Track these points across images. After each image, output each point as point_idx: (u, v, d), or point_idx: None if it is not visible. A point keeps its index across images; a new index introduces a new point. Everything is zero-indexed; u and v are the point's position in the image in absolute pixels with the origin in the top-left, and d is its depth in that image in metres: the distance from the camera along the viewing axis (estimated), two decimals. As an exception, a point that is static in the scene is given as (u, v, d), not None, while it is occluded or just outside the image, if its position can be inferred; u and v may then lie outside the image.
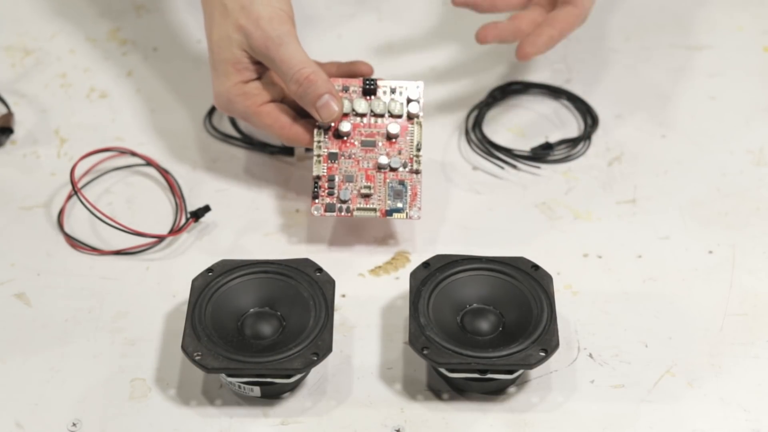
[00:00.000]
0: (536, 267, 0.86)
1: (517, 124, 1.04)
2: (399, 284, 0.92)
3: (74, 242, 0.94)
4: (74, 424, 0.82)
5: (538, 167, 1.01)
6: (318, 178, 0.92)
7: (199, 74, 1.09)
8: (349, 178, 0.92)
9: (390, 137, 0.93)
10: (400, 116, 0.94)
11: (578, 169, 1.01)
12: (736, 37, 1.12)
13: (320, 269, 0.86)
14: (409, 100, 0.94)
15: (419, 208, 0.92)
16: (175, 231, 0.95)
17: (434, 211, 0.97)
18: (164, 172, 0.99)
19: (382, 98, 0.94)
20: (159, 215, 0.97)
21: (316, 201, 0.92)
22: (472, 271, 0.87)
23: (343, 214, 0.92)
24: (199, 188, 0.99)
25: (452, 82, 1.08)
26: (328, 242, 0.95)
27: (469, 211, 0.97)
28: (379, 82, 0.94)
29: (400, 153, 0.93)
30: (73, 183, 0.94)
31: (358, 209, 0.92)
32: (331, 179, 0.92)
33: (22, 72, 1.09)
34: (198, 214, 0.95)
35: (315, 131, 0.93)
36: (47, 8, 1.15)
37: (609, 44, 1.12)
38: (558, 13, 0.99)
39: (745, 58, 1.10)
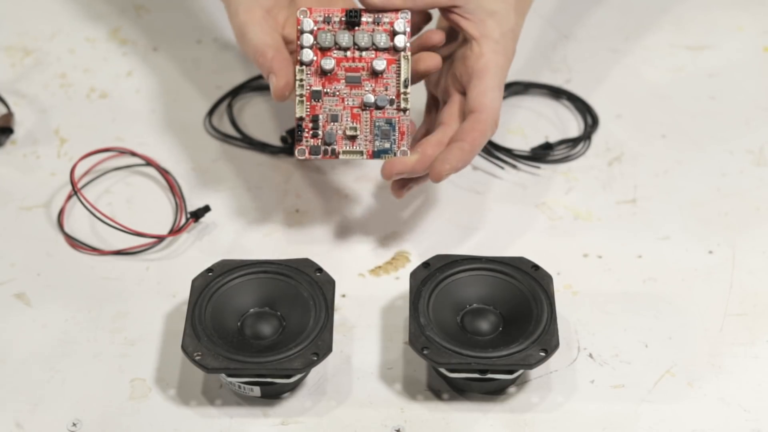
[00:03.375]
0: (536, 267, 0.86)
1: (517, 124, 1.04)
2: (399, 284, 0.92)
3: (74, 242, 0.94)
4: (74, 424, 0.82)
5: (538, 167, 1.01)
6: (301, 119, 0.88)
7: (199, 74, 1.09)
8: (333, 118, 0.88)
9: (376, 73, 0.89)
10: (385, 50, 0.89)
11: (578, 169, 1.01)
12: (736, 37, 1.13)
13: (320, 269, 0.86)
14: (395, 33, 0.89)
15: (408, 147, 0.89)
16: (175, 231, 0.95)
17: (434, 211, 0.97)
18: (164, 172, 0.99)
19: (366, 30, 0.89)
20: (159, 215, 0.97)
21: (301, 144, 0.88)
22: (472, 271, 0.87)
23: (329, 156, 0.88)
24: (199, 188, 0.99)
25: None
26: (328, 242, 0.95)
27: (469, 211, 0.97)
28: (363, 14, 0.89)
29: (386, 89, 0.89)
30: (73, 183, 0.94)
31: (344, 152, 0.88)
32: (314, 120, 0.88)
33: (22, 72, 1.09)
34: (198, 214, 0.95)
35: (296, 69, 0.89)
36: (47, 8, 1.15)
37: (609, 44, 1.12)
38: (465, 125, 0.89)
39: (745, 58, 1.11)
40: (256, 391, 0.83)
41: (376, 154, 0.89)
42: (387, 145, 0.89)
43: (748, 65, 1.10)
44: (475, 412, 0.83)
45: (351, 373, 0.86)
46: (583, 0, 1.16)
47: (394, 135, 0.89)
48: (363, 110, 0.89)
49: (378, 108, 0.89)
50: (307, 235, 0.95)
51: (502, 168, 1.01)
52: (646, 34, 1.13)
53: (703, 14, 1.15)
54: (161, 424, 0.83)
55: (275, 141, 1.02)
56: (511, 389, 0.85)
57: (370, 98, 0.88)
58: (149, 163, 1.00)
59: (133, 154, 1.00)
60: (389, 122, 0.89)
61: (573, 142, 1.02)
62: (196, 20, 1.14)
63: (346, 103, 0.89)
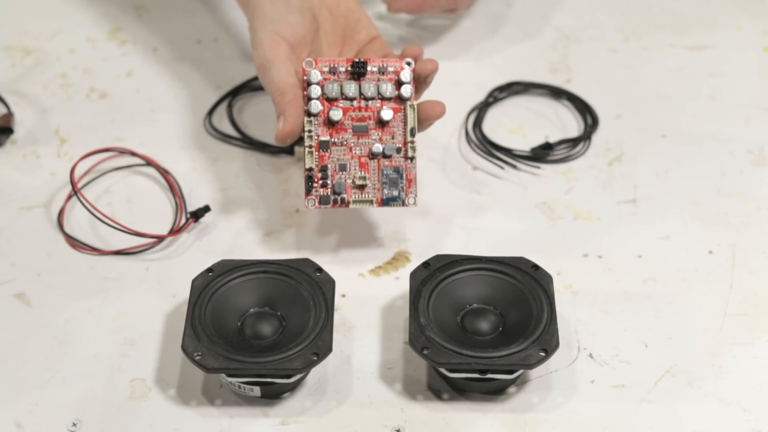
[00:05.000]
0: (536, 267, 0.86)
1: (517, 124, 1.04)
2: (399, 284, 0.92)
3: (74, 242, 0.94)
4: (74, 424, 0.82)
5: (538, 167, 1.01)
6: (310, 170, 0.90)
7: (199, 74, 1.09)
8: (342, 167, 0.90)
9: (383, 123, 0.91)
10: (391, 99, 0.91)
11: (578, 169, 1.01)
12: (736, 37, 1.13)
13: (320, 269, 0.86)
14: (400, 83, 0.91)
15: (415, 195, 0.90)
16: (175, 231, 0.95)
17: (434, 211, 0.97)
18: (164, 172, 0.99)
19: (371, 80, 0.91)
20: (159, 215, 0.97)
21: (311, 194, 0.90)
22: (472, 271, 0.87)
23: (338, 205, 0.90)
24: (199, 188, 0.99)
25: (452, 82, 1.07)
26: (328, 242, 0.95)
27: (469, 211, 0.97)
28: (369, 63, 0.91)
29: (393, 138, 0.91)
30: (73, 183, 0.94)
31: (354, 201, 0.90)
32: (323, 169, 0.90)
33: (22, 72, 1.09)
34: (198, 214, 0.95)
35: (305, 120, 0.90)
36: (47, 8, 1.15)
37: (609, 44, 1.12)
38: None
39: (745, 58, 1.11)
40: (256, 391, 0.83)
41: (385, 202, 0.90)
42: (395, 193, 0.90)
43: (748, 65, 1.10)
44: (475, 412, 0.83)
45: (351, 373, 0.86)
46: (583, 0, 1.16)
47: (402, 183, 0.90)
48: (371, 159, 0.90)
49: (386, 157, 0.90)
50: (307, 235, 0.95)
51: (502, 168, 1.01)
52: (646, 34, 1.13)
53: (703, 14, 1.15)
54: (161, 424, 0.83)
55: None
56: (511, 389, 0.85)
57: (379, 147, 0.90)
58: (149, 163, 1.00)
59: (133, 154, 1.00)
60: (397, 170, 0.90)
61: (573, 142, 1.02)
62: (196, 20, 1.14)
63: (354, 152, 0.90)
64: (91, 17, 1.15)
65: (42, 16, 1.15)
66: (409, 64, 0.91)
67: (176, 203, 0.98)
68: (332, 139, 0.90)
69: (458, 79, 1.08)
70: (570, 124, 1.05)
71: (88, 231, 0.95)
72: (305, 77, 0.90)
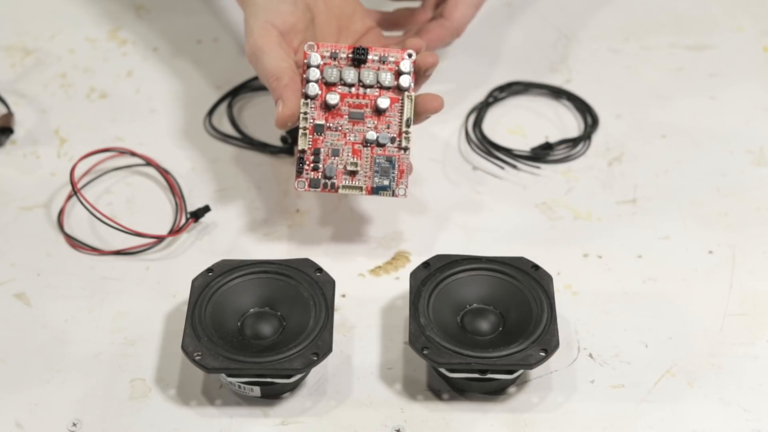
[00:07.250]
0: (536, 267, 0.86)
1: (517, 124, 1.04)
2: (399, 284, 0.92)
3: (74, 242, 0.94)
4: (74, 424, 0.82)
5: (538, 167, 1.01)
6: (303, 151, 0.90)
7: (199, 74, 1.09)
8: (335, 152, 0.90)
9: (379, 111, 0.90)
10: (389, 88, 0.91)
11: (578, 169, 1.01)
12: (736, 37, 1.13)
13: (320, 269, 0.86)
14: (400, 73, 0.91)
15: (406, 187, 0.90)
16: (175, 231, 0.95)
17: (434, 211, 0.97)
18: (164, 172, 0.99)
19: (371, 68, 0.91)
20: (159, 215, 0.97)
21: (301, 176, 0.90)
22: (472, 271, 0.87)
23: (328, 190, 0.90)
24: (199, 188, 0.99)
25: (452, 82, 1.08)
26: (328, 242, 0.95)
27: (469, 211, 0.97)
28: (370, 51, 0.91)
29: (388, 127, 0.90)
30: (72, 183, 0.94)
31: (344, 186, 0.90)
32: (316, 153, 0.89)
33: (22, 72, 1.09)
34: (198, 214, 0.95)
35: (301, 102, 0.90)
36: (47, 8, 1.15)
37: (609, 44, 1.12)
38: (429, 25, 1.01)
39: (745, 58, 1.10)
40: (256, 391, 0.83)
41: (375, 191, 0.90)
42: (386, 182, 0.90)
43: (748, 65, 1.10)
44: (475, 412, 0.83)
45: (351, 373, 0.86)
46: (583, 0, 1.16)
47: (393, 173, 0.90)
48: (364, 146, 0.90)
49: (379, 145, 0.90)
50: (307, 235, 0.95)
51: (502, 168, 1.01)
52: (646, 34, 1.13)
53: (703, 14, 1.15)
54: (161, 424, 0.83)
55: (275, 141, 1.02)
56: (511, 389, 0.85)
57: (372, 135, 0.90)
58: (149, 163, 1.00)
59: (133, 154, 1.00)
60: (389, 160, 0.90)
61: (573, 142, 1.02)
62: (196, 20, 1.14)
63: (347, 138, 0.90)
64: (91, 17, 1.15)
65: (42, 16, 1.15)
66: (410, 55, 0.91)
67: (176, 203, 0.98)
68: (327, 124, 0.90)
69: (458, 79, 1.08)
70: (570, 124, 1.05)
71: (88, 231, 0.95)
72: (305, 60, 0.90)
